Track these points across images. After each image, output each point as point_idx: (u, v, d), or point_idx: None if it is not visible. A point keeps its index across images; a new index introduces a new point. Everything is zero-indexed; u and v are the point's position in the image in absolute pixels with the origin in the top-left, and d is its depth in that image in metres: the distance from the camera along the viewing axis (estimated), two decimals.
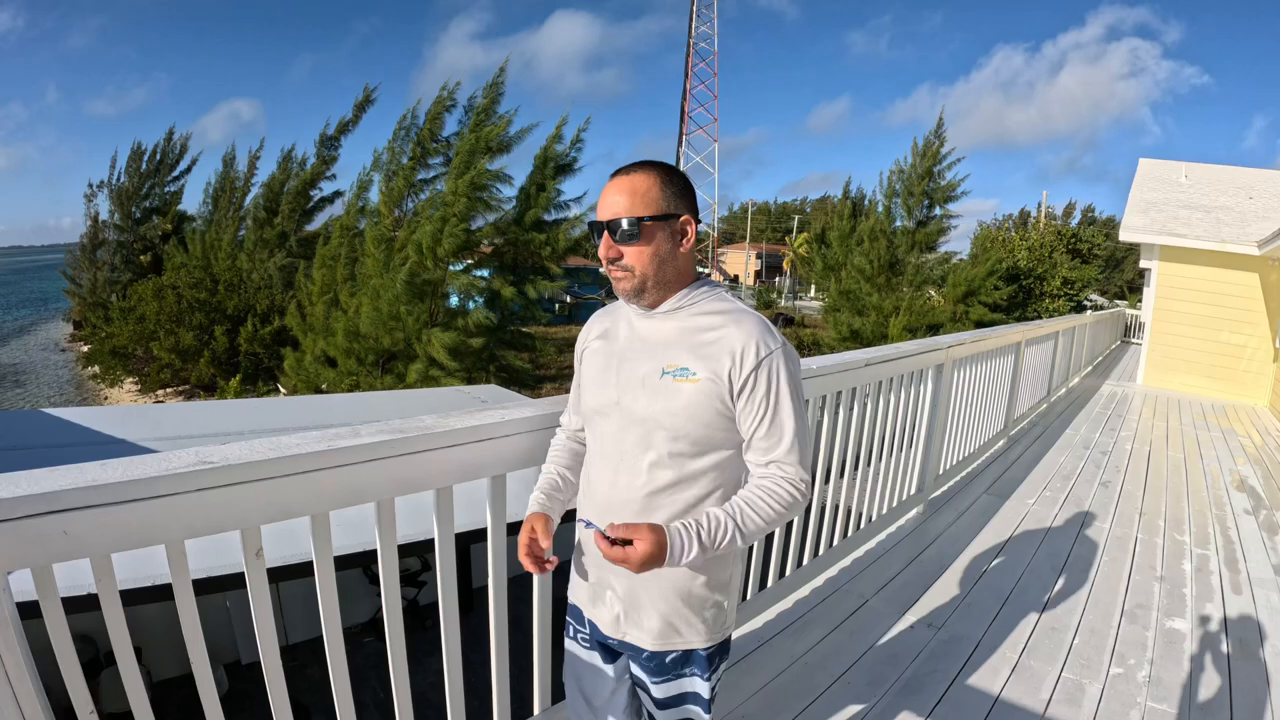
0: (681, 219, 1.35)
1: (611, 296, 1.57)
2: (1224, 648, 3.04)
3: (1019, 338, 6.06)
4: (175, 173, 32.10)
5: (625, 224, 1.31)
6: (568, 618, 1.60)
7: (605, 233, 1.34)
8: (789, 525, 2.98)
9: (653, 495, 1.34)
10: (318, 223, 25.61)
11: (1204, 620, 3.28)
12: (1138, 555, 3.99)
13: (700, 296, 1.38)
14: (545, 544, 1.43)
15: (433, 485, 1.58)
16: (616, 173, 1.37)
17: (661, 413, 1.32)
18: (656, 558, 1.22)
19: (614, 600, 1.44)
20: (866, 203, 25.12)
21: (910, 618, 3.08)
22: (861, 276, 23.44)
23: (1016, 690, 2.59)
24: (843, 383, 3.01)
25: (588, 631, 1.54)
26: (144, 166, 31.34)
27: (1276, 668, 2.88)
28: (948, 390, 4.31)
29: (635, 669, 1.49)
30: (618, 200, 1.32)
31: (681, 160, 57.89)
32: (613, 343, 1.45)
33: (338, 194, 25.45)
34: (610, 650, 1.53)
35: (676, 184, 1.35)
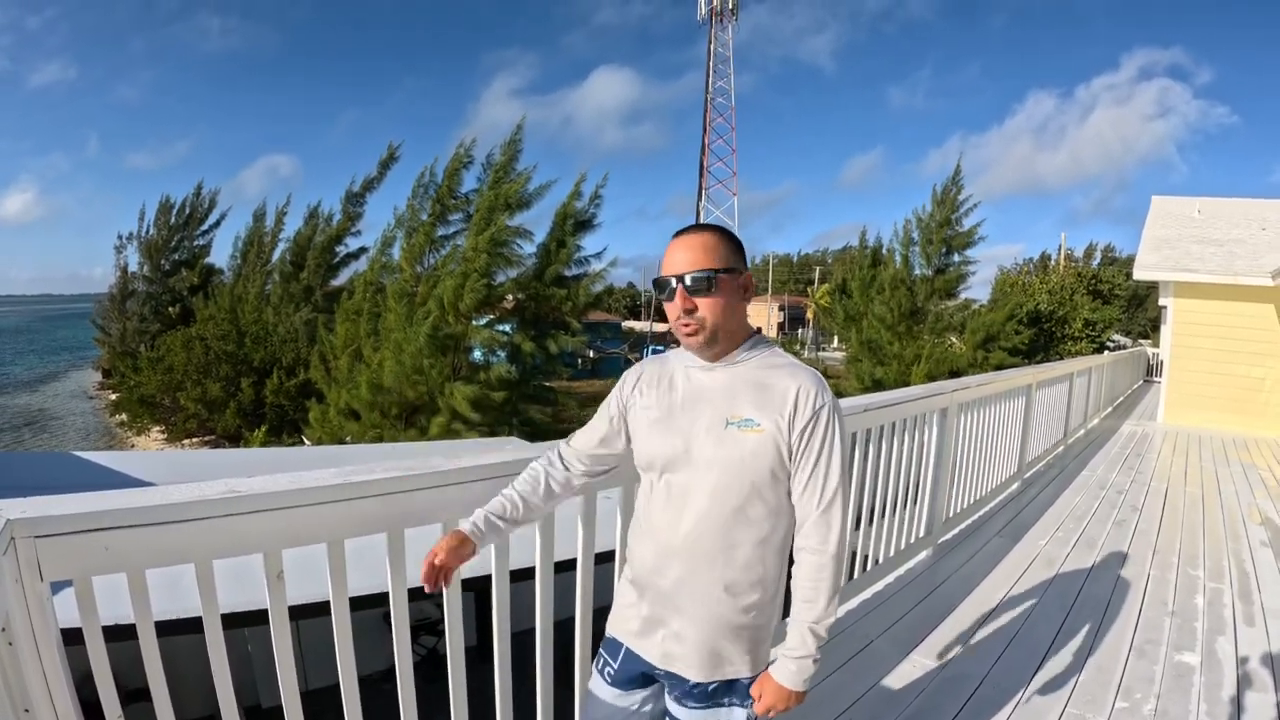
0: (744, 274, 1.46)
1: (638, 355, 1.67)
2: (1234, 679, 3.03)
3: (1028, 380, 6.08)
4: (204, 226, 33.23)
5: (702, 276, 1.39)
6: (601, 650, 1.65)
7: (679, 286, 1.40)
8: (789, 569, 3.03)
9: (713, 538, 1.43)
10: (343, 278, 26.16)
11: (1214, 653, 3.27)
12: (1149, 591, 3.97)
13: (757, 351, 1.48)
14: (445, 561, 1.45)
15: (438, 519, 1.70)
16: (680, 233, 1.45)
17: (726, 461, 1.40)
18: (797, 696, 1.45)
19: (666, 635, 1.50)
20: (885, 251, 25.29)
21: (915, 658, 3.09)
22: (882, 325, 23.50)
23: None
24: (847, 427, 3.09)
25: (617, 665, 1.59)
26: (172, 220, 32.42)
27: None
28: (954, 434, 4.36)
29: (674, 700, 1.54)
30: (689, 255, 1.40)
31: (702, 215, 58.50)
32: (670, 393, 1.51)
33: (363, 250, 25.93)
34: (644, 679, 1.58)
35: (736, 243, 1.47)
